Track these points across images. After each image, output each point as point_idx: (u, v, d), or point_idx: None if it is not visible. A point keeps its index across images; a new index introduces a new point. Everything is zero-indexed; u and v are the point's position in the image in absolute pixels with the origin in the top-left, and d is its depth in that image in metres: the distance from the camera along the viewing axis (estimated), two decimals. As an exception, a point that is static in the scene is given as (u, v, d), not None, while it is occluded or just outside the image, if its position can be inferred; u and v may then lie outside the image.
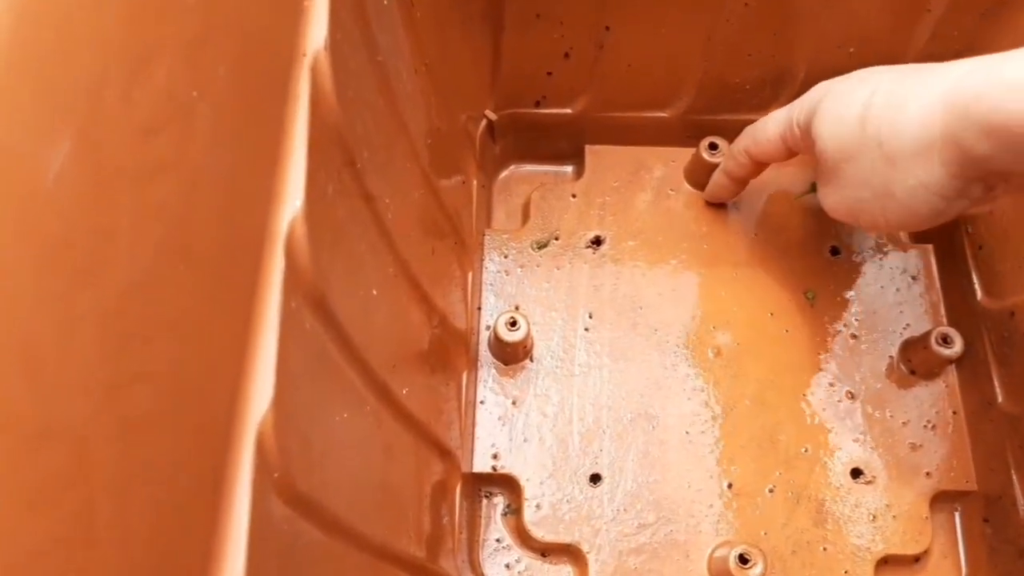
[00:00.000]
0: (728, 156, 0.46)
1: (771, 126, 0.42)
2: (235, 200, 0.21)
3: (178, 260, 0.18)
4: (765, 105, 0.49)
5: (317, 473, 0.24)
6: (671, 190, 0.50)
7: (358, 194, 0.29)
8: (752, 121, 0.49)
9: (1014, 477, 0.41)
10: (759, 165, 0.45)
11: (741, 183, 0.47)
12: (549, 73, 0.47)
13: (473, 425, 0.44)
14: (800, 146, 0.41)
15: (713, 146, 0.48)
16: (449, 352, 0.42)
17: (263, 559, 0.20)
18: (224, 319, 0.20)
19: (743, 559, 0.39)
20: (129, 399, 0.17)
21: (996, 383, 0.43)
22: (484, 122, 0.50)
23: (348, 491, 0.27)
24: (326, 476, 0.25)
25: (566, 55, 0.46)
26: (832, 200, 0.38)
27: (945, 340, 0.43)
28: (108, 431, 0.16)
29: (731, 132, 0.50)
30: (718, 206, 0.50)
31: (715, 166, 0.48)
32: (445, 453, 0.39)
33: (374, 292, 0.30)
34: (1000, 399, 0.43)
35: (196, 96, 0.19)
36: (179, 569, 0.18)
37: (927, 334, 0.44)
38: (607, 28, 0.44)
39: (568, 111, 0.50)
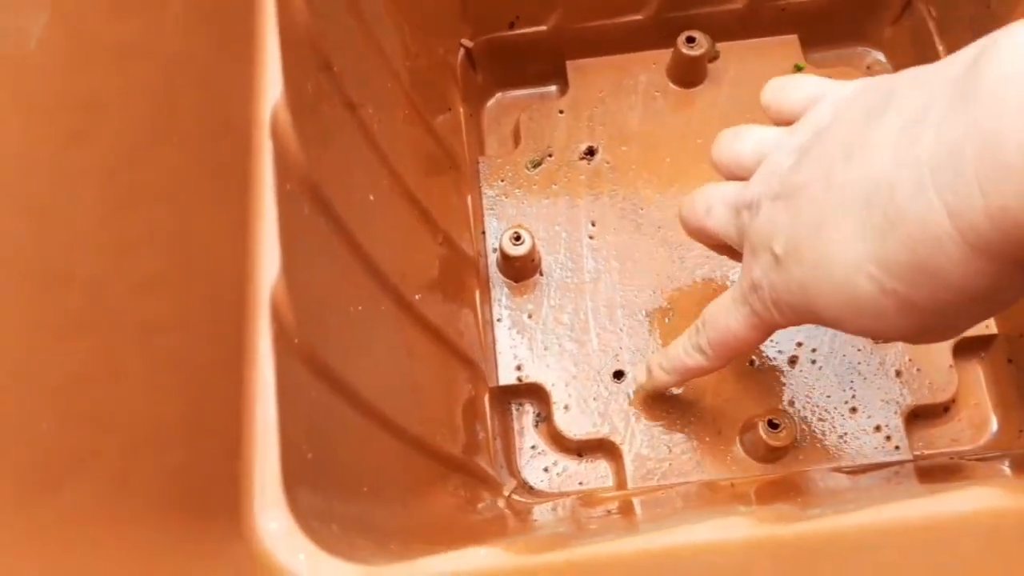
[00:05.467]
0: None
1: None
2: (215, 84, 0.21)
3: (167, 134, 0.19)
4: (736, -9, 0.49)
5: (339, 351, 0.25)
6: (656, 92, 0.51)
7: (340, 100, 0.30)
8: (725, 11, 0.50)
9: (1031, 312, 0.41)
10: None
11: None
12: (518, -9, 0.48)
13: (494, 342, 0.45)
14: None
15: (691, 39, 0.48)
16: (460, 274, 0.43)
17: (294, 417, 0.21)
18: (221, 193, 0.21)
19: (772, 424, 0.39)
20: (138, 259, 0.18)
21: (1002, 225, 0.43)
22: (462, 52, 0.50)
23: (375, 378, 0.28)
24: (350, 357, 0.25)
25: (532, -31, 0.47)
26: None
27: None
28: (122, 285, 0.17)
29: (705, 25, 0.50)
30: (704, 101, 0.50)
31: (696, 59, 0.49)
32: (469, 363, 0.40)
33: (371, 198, 0.31)
34: (1008, 239, 0.43)
35: (165, -14, 0.20)
36: (214, 417, 0.19)
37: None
38: (568, -66, 0.45)
39: (543, 28, 0.50)
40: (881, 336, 0.29)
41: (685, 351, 0.37)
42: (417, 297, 0.34)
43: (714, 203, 0.35)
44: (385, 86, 0.36)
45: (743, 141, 0.34)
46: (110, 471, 0.16)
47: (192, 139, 0.20)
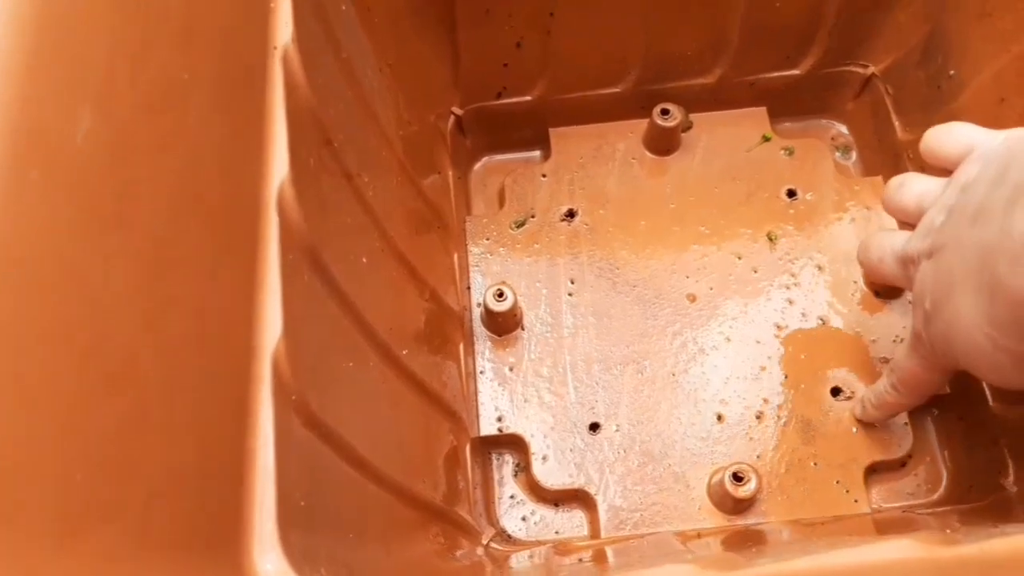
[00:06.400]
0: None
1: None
2: (231, 168, 0.24)
3: (190, 215, 0.22)
4: (707, 69, 0.52)
5: (331, 405, 0.27)
6: (633, 159, 0.54)
7: (339, 171, 0.32)
8: (698, 85, 0.53)
9: (980, 373, 0.44)
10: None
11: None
12: (505, 64, 0.51)
13: (476, 394, 0.47)
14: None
15: (665, 111, 0.52)
16: (445, 328, 0.45)
17: (289, 467, 0.23)
18: (234, 265, 0.23)
19: (737, 477, 0.41)
20: (165, 324, 0.20)
21: (953, 291, 0.46)
22: (452, 119, 0.54)
23: (363, 430, 0.30)
24: (340, 410, 0.28)
25: (518, 45, 0.50)
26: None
27: (900, 258, 0.46)
28: (152, 348, 0.19)
29: (680, 97, 0.53)
30: (677, 168, 0.53)
31: (670, 130, 0.52)
32: (451, 415, 0.42)
33: (364, 260, 0.34)
34: (958, 305, 0.46)
35: (188, 80, 0.23)
36: (219, 466, 0.21)
37: (883, 255, 0.47)
38: (551, 14, 0.48)
39: (528, 98, 0.53)
40: (1008, 385, 0.31)
41: (884, 390, 0.41)
42: (404, 352, 0.37)
43: (885, 255, 0.37)
44: (380, 155, 0.39)
45: (906, 193, 0.36)
46: (133, 517, 0.18)
47: (210, 218, 0.22)
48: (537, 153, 0.57)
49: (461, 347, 0.47)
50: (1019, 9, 0.41)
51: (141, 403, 0.19)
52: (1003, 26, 0.42)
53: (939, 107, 0.47)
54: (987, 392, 0.44)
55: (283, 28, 0.29)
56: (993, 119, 0.43)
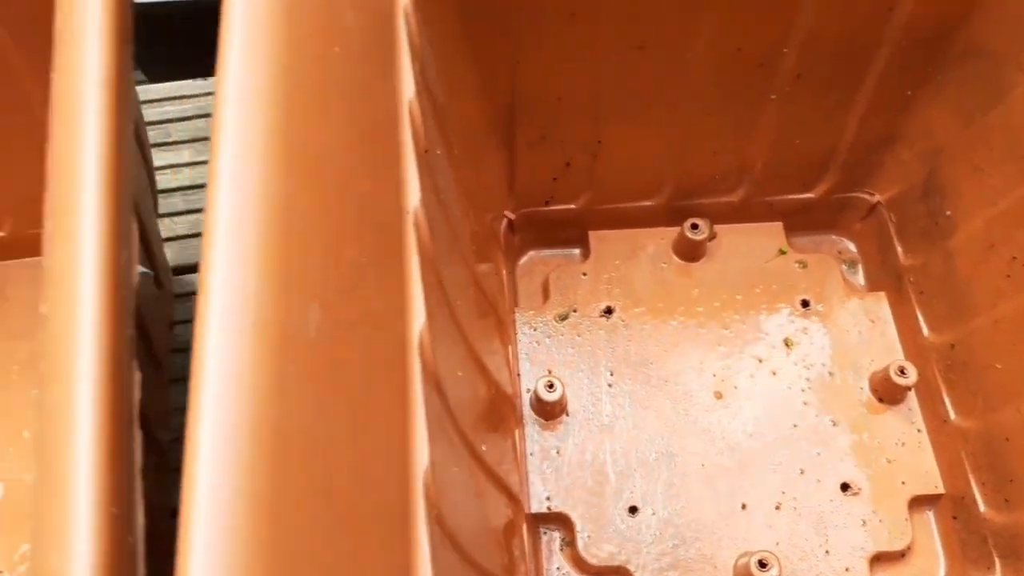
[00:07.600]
0: None
1: None
2: (391, 332, 0.30)
3: (374, 376, 0.28)
4: (732, 190, 0.59)
5: (451, 513, 0.32)
6: (663, 263, 0.60)
7: (446, 302, 0.38)
8: (723, 202, 0.60)
9: (971, 479, 0.50)
10: None
11: None
12: (555, 179, 0.58)
13: (527, 473, 0.53)
14: None
15: (695, 226, 0.58)
16: (503, 414, 0.51)
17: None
18: (391, 410, 0.29)
19: (762, 564, 0.47)
20: (364, 468, 0.26)
21: (947, 403, 0.53)
22: (505, 221, 0.60)
23: (467, 527, 0.35)
24: (456, 516, 0.33)
25: (567, 164, 0.57)
26: None
27: (902, 372, 0.53)
28: (358, 491, 0.25)
29: (708, 213, 0.60)
30: (703, 274, 0.60)
31: (698, 242, 0.58)
32: (511, 497, 0.48)
33: (460, 374, 0.40)
34: (952, 416, 0.52)
35: (365, 262, 0.29)
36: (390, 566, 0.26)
37: (887, 367, 0.53)
38: (599, 142, 0.55)
39: (573, 207, 0.60)
40: None
41: None
42: (484, 448, 0.42)
43: None
44: (462, 270, 0.45)
45: None
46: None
47: (384, 375, 0.28)
48: (577, 251, 0.63)
49: (516, 432, 0.53)
50: (1007, 172, 0.48)
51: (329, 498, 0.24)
52: (993, 183, 0.49)
53: (936, 240, 0.54)
54: (978, 497, 0.50)
55: (412, 194, 0.35)
56: (982, 262, 0.50)
